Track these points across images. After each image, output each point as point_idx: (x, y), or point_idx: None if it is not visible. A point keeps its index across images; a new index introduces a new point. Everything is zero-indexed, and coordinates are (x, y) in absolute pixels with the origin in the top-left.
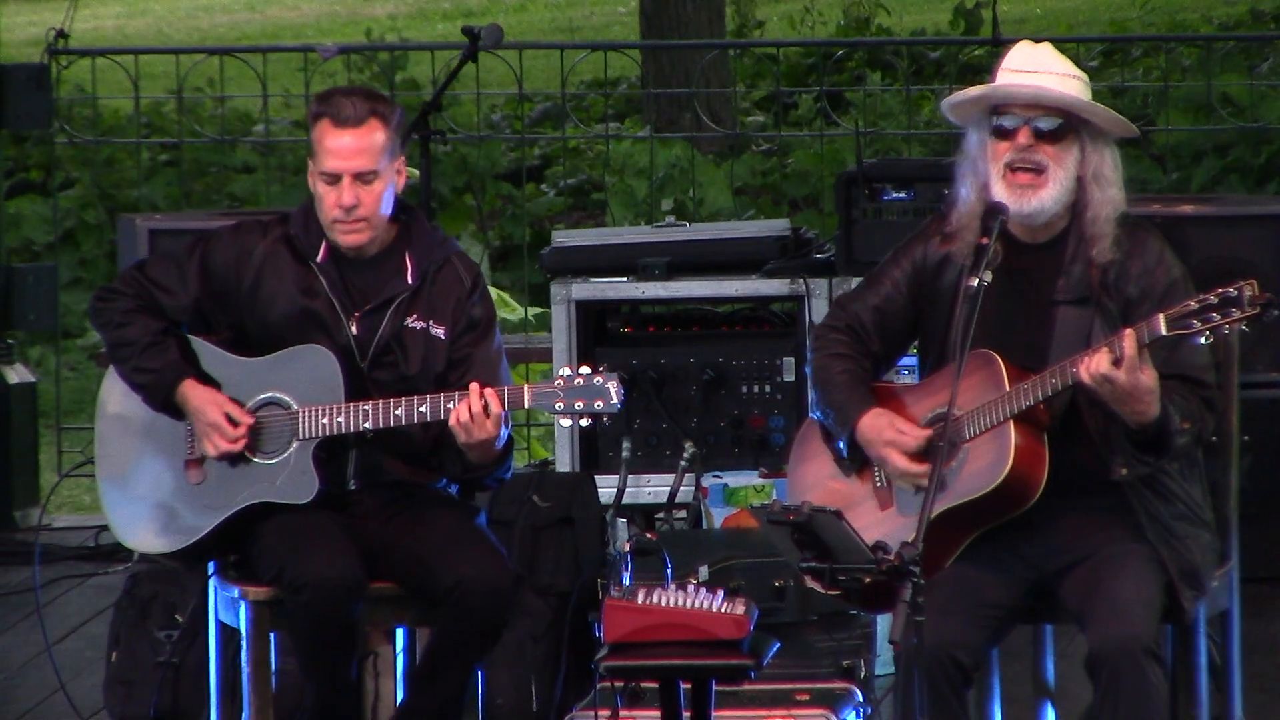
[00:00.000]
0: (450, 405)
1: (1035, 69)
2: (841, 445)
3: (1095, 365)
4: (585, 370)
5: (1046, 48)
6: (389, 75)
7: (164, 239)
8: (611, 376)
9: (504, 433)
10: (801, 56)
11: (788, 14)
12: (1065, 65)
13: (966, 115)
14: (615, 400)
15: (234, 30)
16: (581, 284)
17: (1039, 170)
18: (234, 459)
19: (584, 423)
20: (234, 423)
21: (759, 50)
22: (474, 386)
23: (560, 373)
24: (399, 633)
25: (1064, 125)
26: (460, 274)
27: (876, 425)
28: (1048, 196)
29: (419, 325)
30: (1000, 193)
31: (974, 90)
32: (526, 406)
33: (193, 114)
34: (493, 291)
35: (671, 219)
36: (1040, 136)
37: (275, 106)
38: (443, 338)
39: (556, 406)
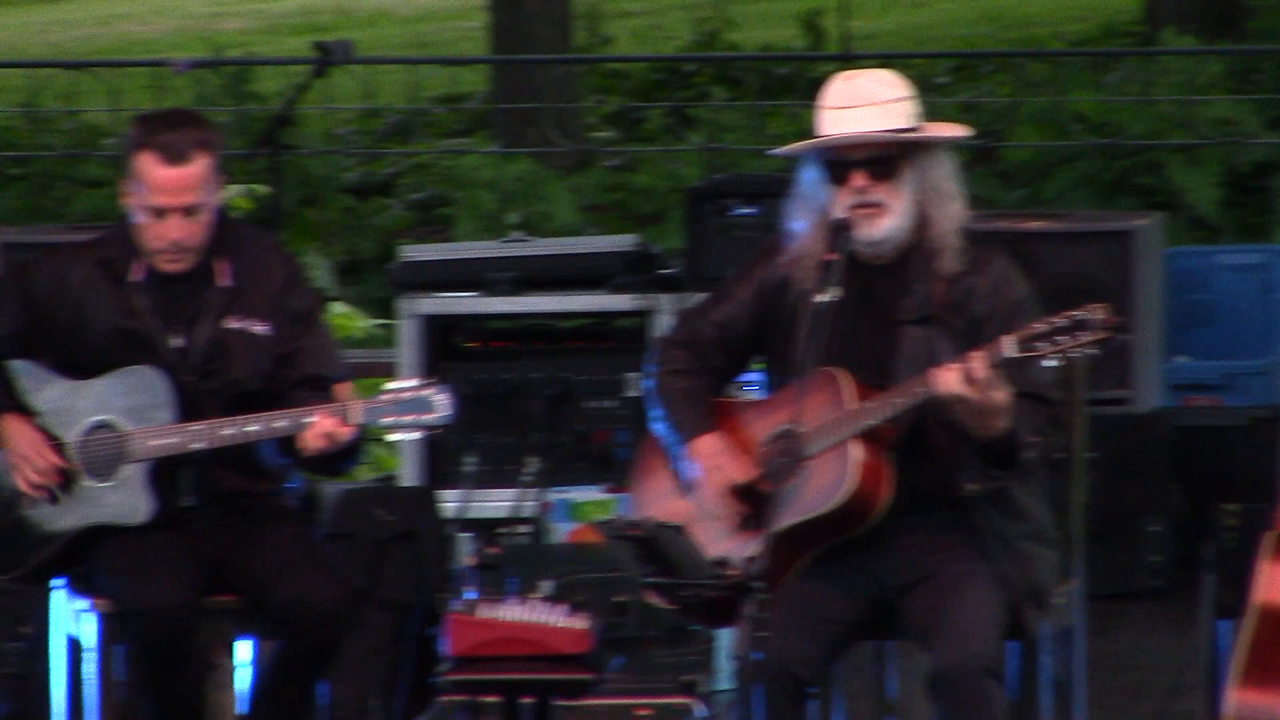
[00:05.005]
0: (279, 424)
1: (855, 103)
2: (678, 467)
3: (947, 384)
4: (414, 382)
5: (864, 77)
6: (238, 90)
7: (14, 253)
8: (442, 388)
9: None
10: (649, 72)
11: (635, 29)
12: (884, 90)
13: (799, 153)
14: (445, 413)
15: (86, 44)
16: (428, 299)
17: (878, 205)
18: (68, 483)
19: (416, 435)
20: (44, 460)
21: (607, 66)
22: (319, 423)
23: (389, 386)
24: (244, 645)
25: (895, 156)
26: (275, 267)
27: (703, 451)
28: (889, 225)
29: (238, 326)
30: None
31: (798, 145)
32: (359, 422)
33: (44, 128)
34: (339, 307)
35: (519, 234)
36: (874, 174)
37: (127, 120)
38: (265, 334)
39: (387, 421)
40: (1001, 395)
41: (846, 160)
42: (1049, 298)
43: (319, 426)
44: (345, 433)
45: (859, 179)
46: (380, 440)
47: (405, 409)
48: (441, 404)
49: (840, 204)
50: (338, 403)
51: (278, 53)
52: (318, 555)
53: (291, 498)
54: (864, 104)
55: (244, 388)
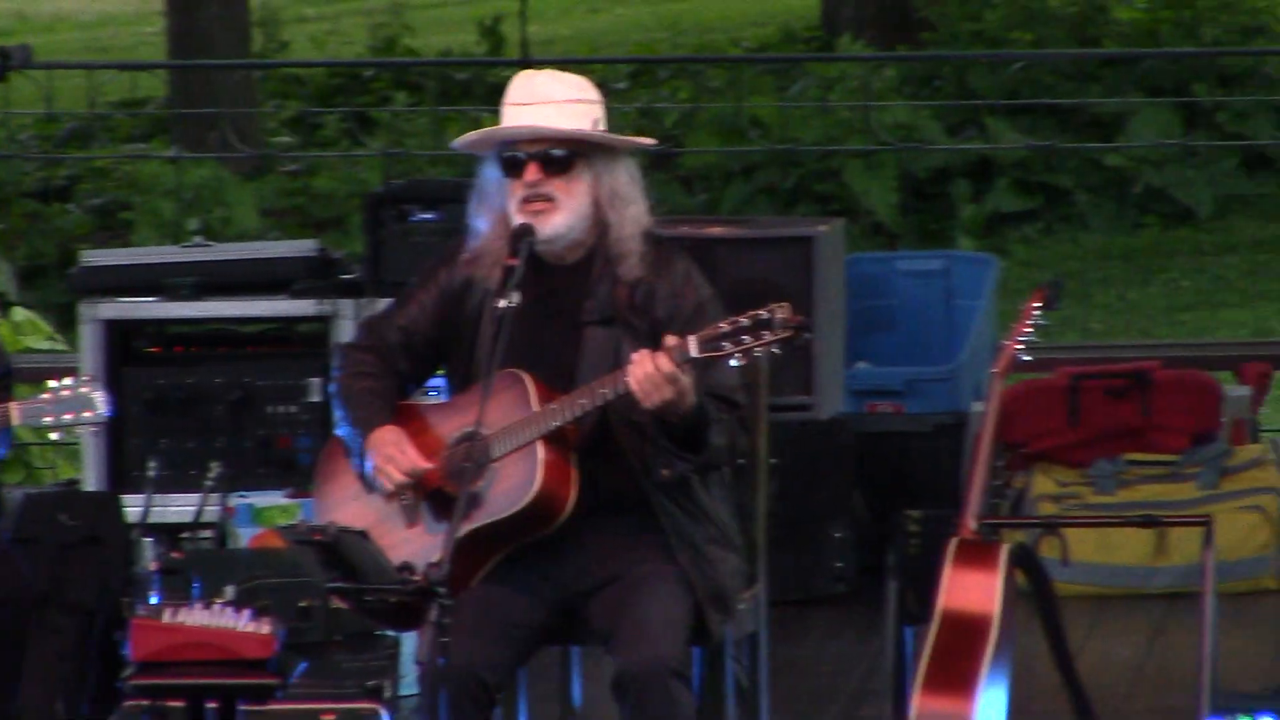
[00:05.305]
0: None
1: (536, 100)
2: (358, 462)
3: (638, 382)
4: (69, 381)
5: (546, 75)
6: None
7: None
8: (97, 385)
9: None
10: (328, 77)
11: (313, 35)
12: (568, 90)
13: (480, 151)
14: (102, 409)
15: None
16: (109, 304)
17: (549, 199)
18: None
19: (78, 433)
20: None
21: (285, 71)
22: None
23: (50, 385)
24: None
25: (571, 154)
26: None
27: (383, 439)
28: (560, 222)
29: None
30: (519, 221)
31: (473, 135)
32: (16, 424)
33: None
34: (21, 313)
35: (199, 239)
36: (548, 169)
37: None
38: None
39: (45, 421)
40: (687, 379)
41: (522, 154)
42: (731, 304)
43: None
44: None
45: (531, 172)
46: (46, 441)
47: (64, 408)
48: (100, 401)
49: (514, 198)
50: None
51: None
52: None
53: None
54: (542, 101)
55: None
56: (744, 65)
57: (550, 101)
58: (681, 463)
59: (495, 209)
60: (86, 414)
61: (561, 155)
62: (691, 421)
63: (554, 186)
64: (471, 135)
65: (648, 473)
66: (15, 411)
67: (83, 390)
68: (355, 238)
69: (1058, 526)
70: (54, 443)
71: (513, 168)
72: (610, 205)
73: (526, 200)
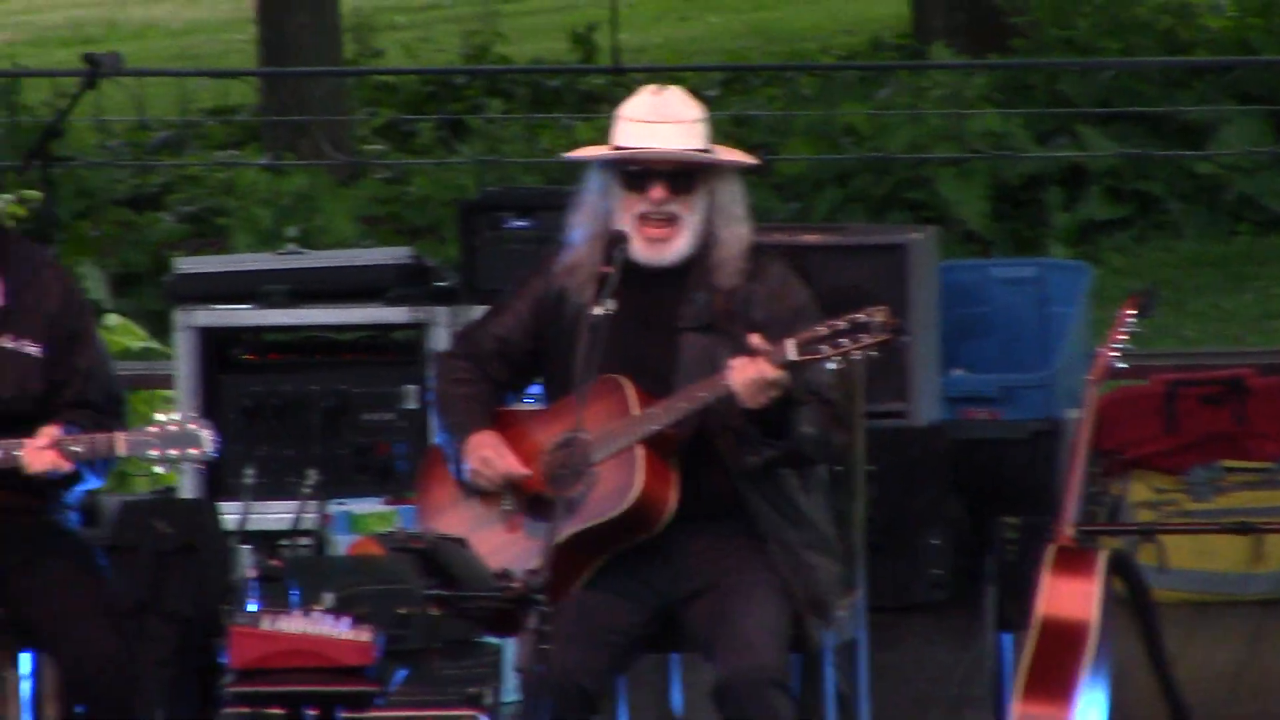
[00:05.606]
0: (17, 453)
1: (659, 119)
2: (459, 468)
3: (743, 381)
4: (178, 416)
5: (669, 94)
6: (8, 101)
7: None
8: (205, 423)
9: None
10: (420, 84)
11: (405, 42)
12: (688, 110)
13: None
14: (209, 448)
15: None
16: (204, 311)
17: (671, 220)
18: None
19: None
20: None
21: (377, 78)
22: (41, 448)
23: (156, 419)
24: (25, 658)
25: (693, 173)
26: (52, 286)
27: (480, 443)
28: (682, 244)
29: (10, 345)
30: (634, 241)
31: (598, 153)
32: (121, 454)
33: None
34: (115, 319)
35: (293, 246)
36: (673, 188)
37: None
38: (37, 355)
39: (151, 454)
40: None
41: (648, 171)
42: (825, 311)
43: (39, 460)
44: (65, 465)
45: (658, 191)
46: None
47: (170, 443)
48: (207, 439)
49: (631, 211)
50: (102, 435)
51: (46, 64)
52: (94, 611)
53: (69, 516)
54: (672, 120)
55: (12, 408)
56: (835, 73)
57: (681, 121)
58: (768, 449)
59: (597, 218)
60: (193, 451)
61: (688, 174)
62: (778, 407)
63: (678, 205)
64: (596, 153)
65: (735, 461)
66: (122, 442)
67: (190, 427)
68: (450, 245)
69: (1155, 533)
70: None
71: (636, 183)
72: (719, 222)
73: (648, 217)
